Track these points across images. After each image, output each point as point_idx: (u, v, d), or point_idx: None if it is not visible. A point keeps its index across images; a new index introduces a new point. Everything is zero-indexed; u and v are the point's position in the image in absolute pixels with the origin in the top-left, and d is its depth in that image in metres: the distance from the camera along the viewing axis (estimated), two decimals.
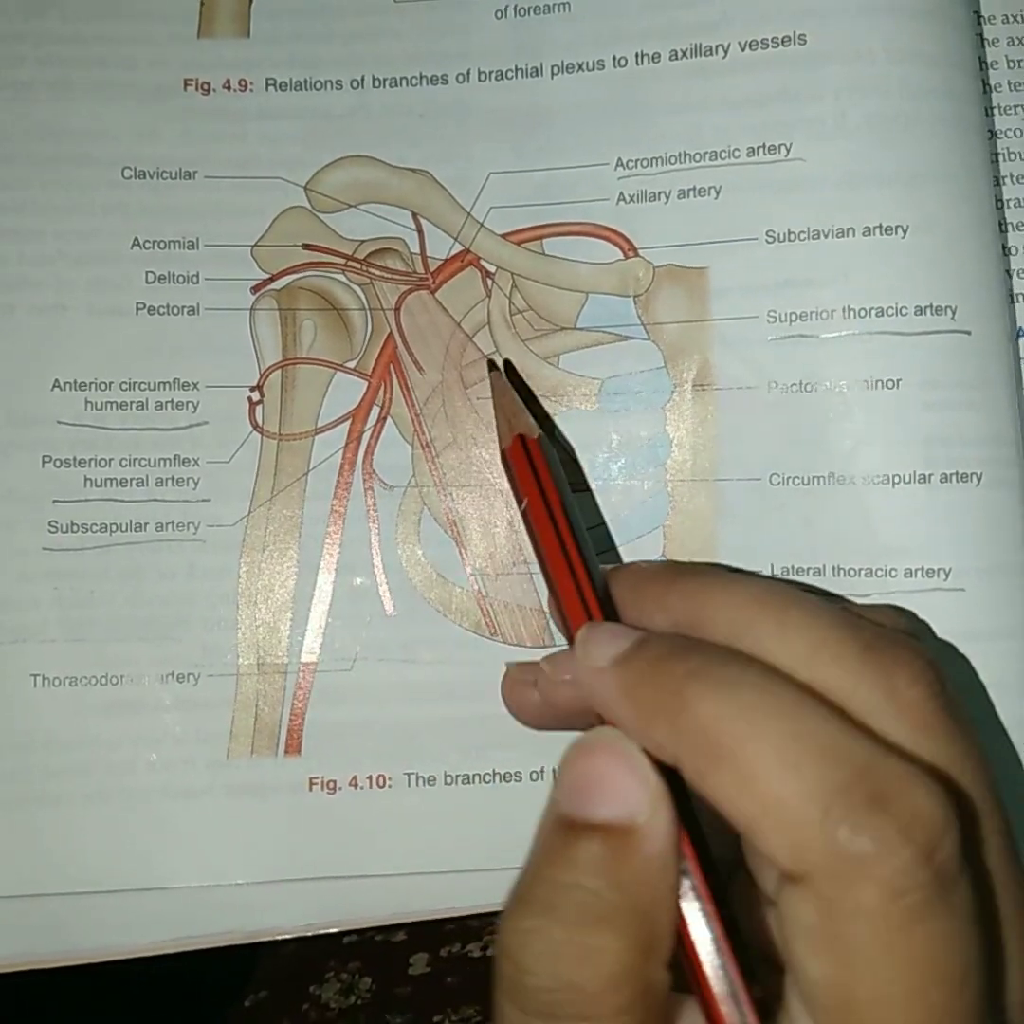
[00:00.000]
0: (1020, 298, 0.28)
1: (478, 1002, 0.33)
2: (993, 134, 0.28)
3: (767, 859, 0.17)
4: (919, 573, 0.26)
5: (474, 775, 0.26)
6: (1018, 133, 0.28)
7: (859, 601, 0.26)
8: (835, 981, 0.17)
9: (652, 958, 0.17)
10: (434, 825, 0.26)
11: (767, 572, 0.26)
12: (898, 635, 0.19)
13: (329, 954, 0.35)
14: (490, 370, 0.27)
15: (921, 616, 0.25)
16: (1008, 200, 0.28)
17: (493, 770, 0.26)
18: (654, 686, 0.18)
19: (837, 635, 0.18)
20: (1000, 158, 0.28)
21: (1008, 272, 0.27)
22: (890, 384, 0.26)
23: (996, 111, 0.28)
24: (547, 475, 0.23)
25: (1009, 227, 0.28)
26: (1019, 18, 0.28)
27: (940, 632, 0.25)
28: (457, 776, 0.26)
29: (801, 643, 0.18)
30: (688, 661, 0.18)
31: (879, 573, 0.26)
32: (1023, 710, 0.25)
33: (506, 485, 0.27)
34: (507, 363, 0.27)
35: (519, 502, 0.23)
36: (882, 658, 0.18)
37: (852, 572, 0.26)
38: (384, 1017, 0.33)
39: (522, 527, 0.25)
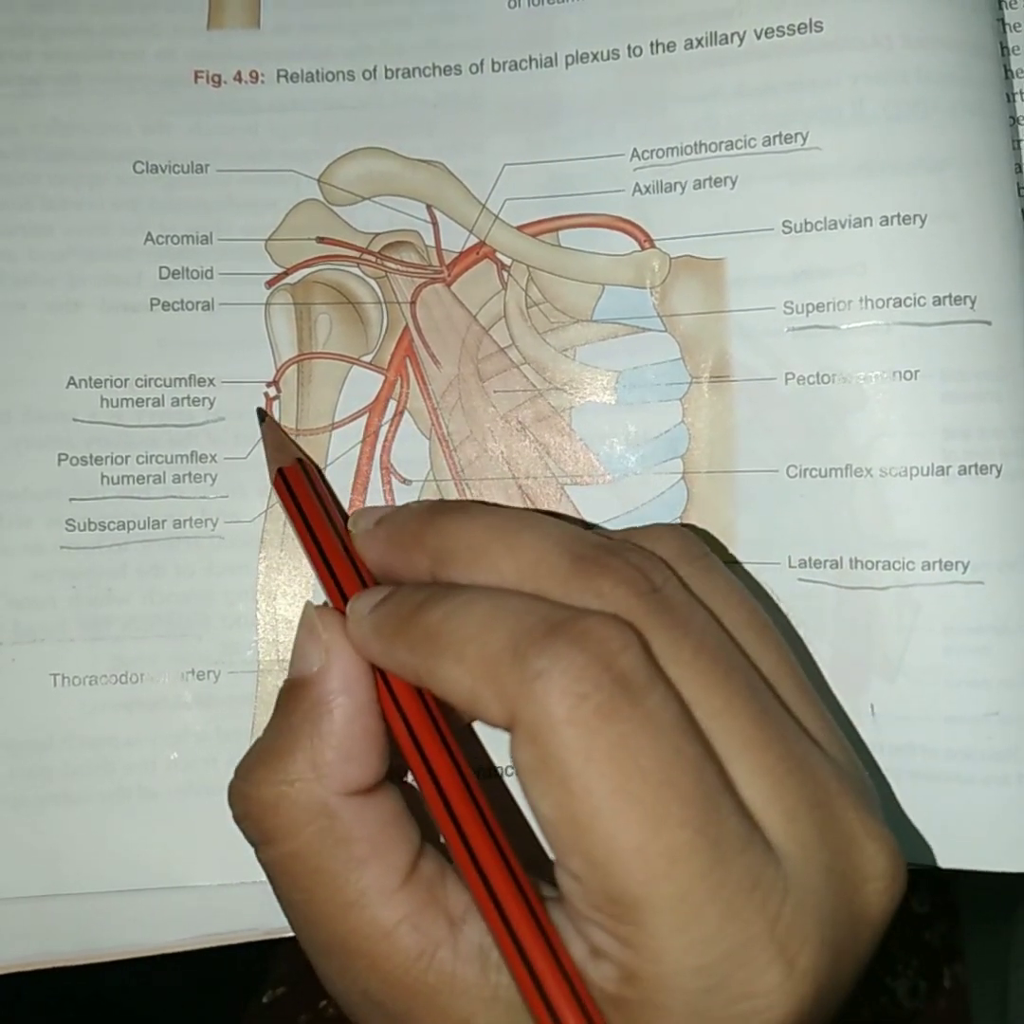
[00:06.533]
0: None
1: None
2: (1015, 120, 0.28)
3: (489, 722, 0.19)
4: (937, 566, 0.25)
5: (497, 766, 0.26)
6: None
7: (877, 594, 0.26)
8: (558, 806, 0.18)
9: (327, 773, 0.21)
10: None
11: (784, 564, 0.26)
12: (620, 545, 0.21)
13: None
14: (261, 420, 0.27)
15: (940, 609, 0.25)
16: None
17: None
18: (395, 617, 0.21)
19: (555, 551, 0.20)
20: (1022, 145, 0.28)
21: None
22: (908, 375, 0.26)
23: (1018, 97, 0.28)
24: (306, 496, 0.25)
25: None
26: None
27: (959, 625, 0.25)
28: (477, 768, 0.26)
29: (525, 561, 0.21)
30: (418, 595, 0.21)
31: (897, 566, 0.26)
32: None
33: (524, 479, 0.27)
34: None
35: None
36: (590, 567, 0.20)
37: (870, 565, 0.26)
38: None
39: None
